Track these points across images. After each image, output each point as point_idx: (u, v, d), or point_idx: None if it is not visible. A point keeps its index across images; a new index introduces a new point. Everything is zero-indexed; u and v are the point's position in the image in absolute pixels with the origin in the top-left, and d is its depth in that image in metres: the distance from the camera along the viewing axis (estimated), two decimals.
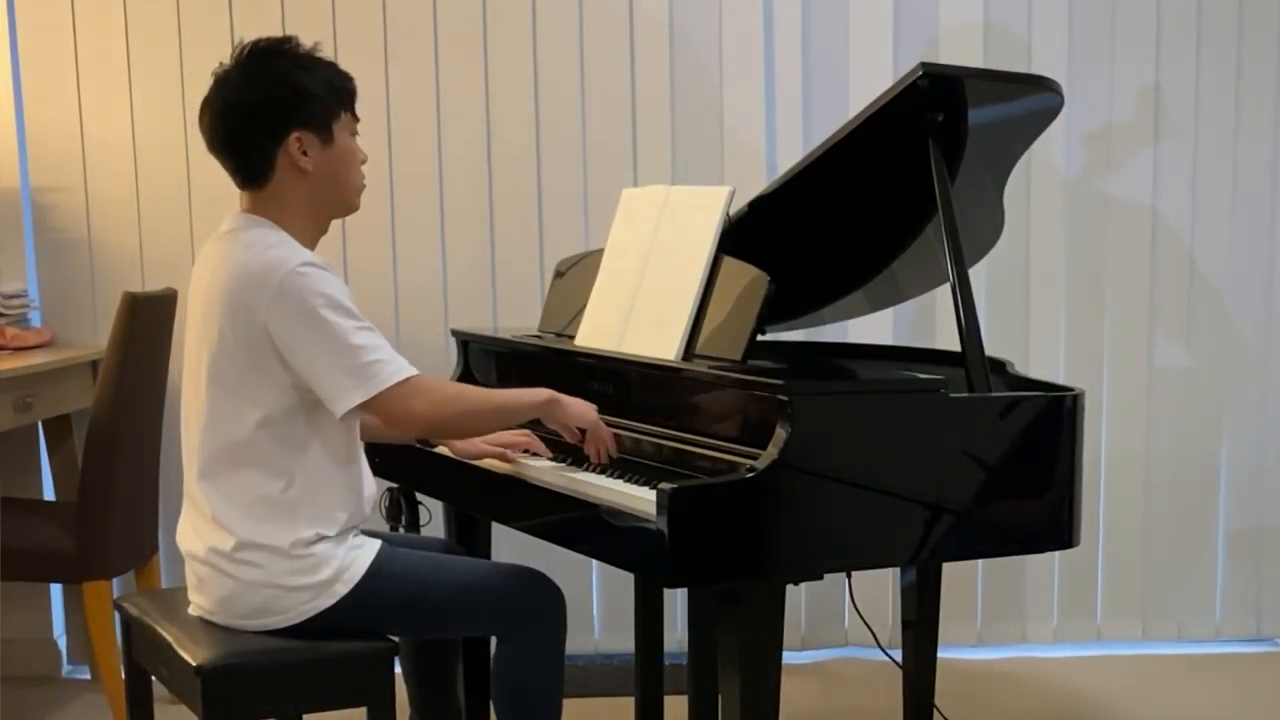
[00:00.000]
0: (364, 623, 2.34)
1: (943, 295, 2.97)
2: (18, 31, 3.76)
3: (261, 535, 2.27)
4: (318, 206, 2.38)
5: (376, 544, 2.39)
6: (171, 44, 3.76)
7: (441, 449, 2.69)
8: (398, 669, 2.38)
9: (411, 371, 2.28)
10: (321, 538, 2.30)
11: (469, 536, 2.93)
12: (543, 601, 2.43)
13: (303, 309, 2.21)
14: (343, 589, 2.31)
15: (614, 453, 2.44)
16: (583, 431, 2.44)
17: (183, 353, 2.41)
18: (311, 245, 2.38)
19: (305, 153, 2.32)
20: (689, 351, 2.46)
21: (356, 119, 2.42)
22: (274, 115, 2.31)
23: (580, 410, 2.44)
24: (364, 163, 2.44)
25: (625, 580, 3.03)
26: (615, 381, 2.58)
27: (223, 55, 2.36)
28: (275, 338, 2.22)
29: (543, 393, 2.44)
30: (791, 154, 3.71)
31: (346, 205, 2.43)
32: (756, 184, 2.99)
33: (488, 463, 2.59)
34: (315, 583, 2.29)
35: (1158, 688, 3.72)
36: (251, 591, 2.29)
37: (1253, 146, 3.94)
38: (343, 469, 2.35)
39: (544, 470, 2.48)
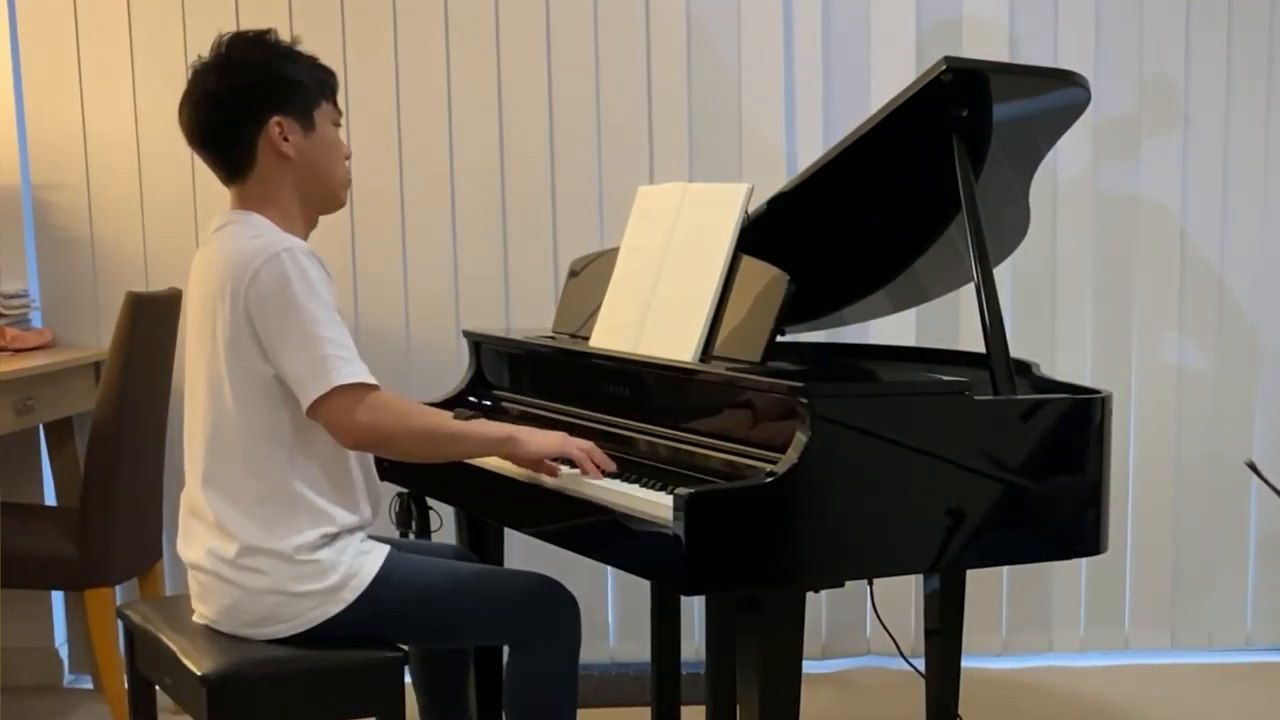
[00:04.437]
0: (372, 630, 2.31)
1: (967, 295, 2.95)
2: (19, 27, 3.73)
3: (264, 539, 2.25)
4: (303, 197, 2.36)
5: (385, 549, 2.35)
6: (175, 39, 3.73)
7: None
8: (407, 679, 2.36)
9: (369, 379, 2.22)
10: (326, 539, 2.26)
11: (481, 542, 2.90)
12: (556, 609, 2.40)
13: (278, 290, 2.18)
14: (350, 595, 2.27)
15: (608, 466, 2.34)
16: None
17: (185, 356, 2.38)
18: (302, 238, 2.35)
19: (286, 138, 2.30)
20: (706, 353, 2.43)
21: (339, 111, 2.41)
22: (253, 101, 2.29)
23: (543, 443, 2.33)
24: (348, 158, 2.42)
25: (641, 587, 3.00)
26: (631, 383, 2.53)
27: None
28: (255, 322, 2.20)
29: (504, 428, 2.37)
30: (812, 150, 3.66)
31: (332, 198, 2.40)
32: (776, 181, 2.96)
33: (496, 466, 2.53)
34: (322, 589, 2.26)
35: (1187, 698, 3.68)
36: (256, 599, 2.26)
37: None
38: (343, 462, 2.31)
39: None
